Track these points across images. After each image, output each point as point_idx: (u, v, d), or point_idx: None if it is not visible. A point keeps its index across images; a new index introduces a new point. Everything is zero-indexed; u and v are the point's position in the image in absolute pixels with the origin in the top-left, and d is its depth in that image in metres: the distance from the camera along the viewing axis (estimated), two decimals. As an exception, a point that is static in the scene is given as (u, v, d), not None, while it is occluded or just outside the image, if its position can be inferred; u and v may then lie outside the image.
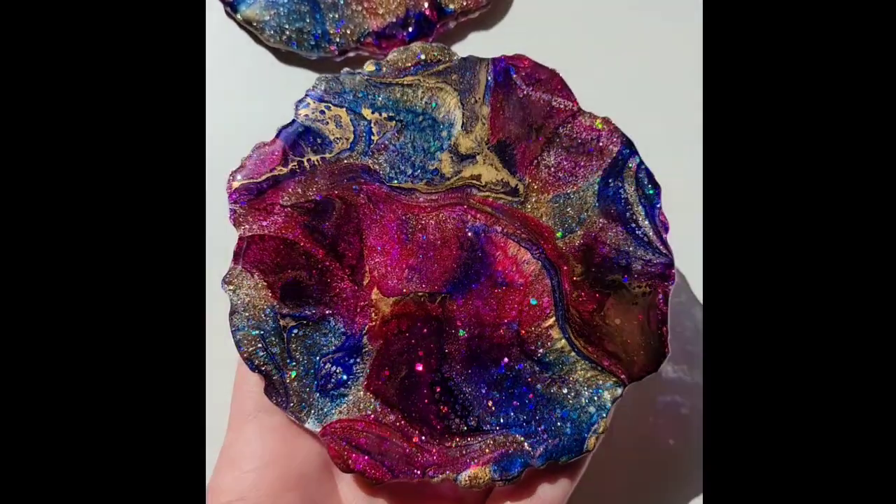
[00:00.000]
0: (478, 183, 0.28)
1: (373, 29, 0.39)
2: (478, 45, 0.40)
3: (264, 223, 0.27)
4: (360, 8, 0.39)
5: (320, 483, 0.28)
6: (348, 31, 0.39)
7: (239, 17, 0.39)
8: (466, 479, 0.26)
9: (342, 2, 0.39)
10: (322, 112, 0.28)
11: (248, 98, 0.40)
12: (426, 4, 0.39)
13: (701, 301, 0.38)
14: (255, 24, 0.39)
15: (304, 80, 0.40)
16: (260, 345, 0.27)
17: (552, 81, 0.29)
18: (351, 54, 0.40)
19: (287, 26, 0.39)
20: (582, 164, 0.28)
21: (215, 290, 0.31)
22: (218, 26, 0.40)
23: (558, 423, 0.27)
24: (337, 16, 0.39)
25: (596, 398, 0.27)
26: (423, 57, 0.29)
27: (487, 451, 0.26)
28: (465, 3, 0.39)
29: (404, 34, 0.39)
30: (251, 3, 0.39)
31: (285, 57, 0.40)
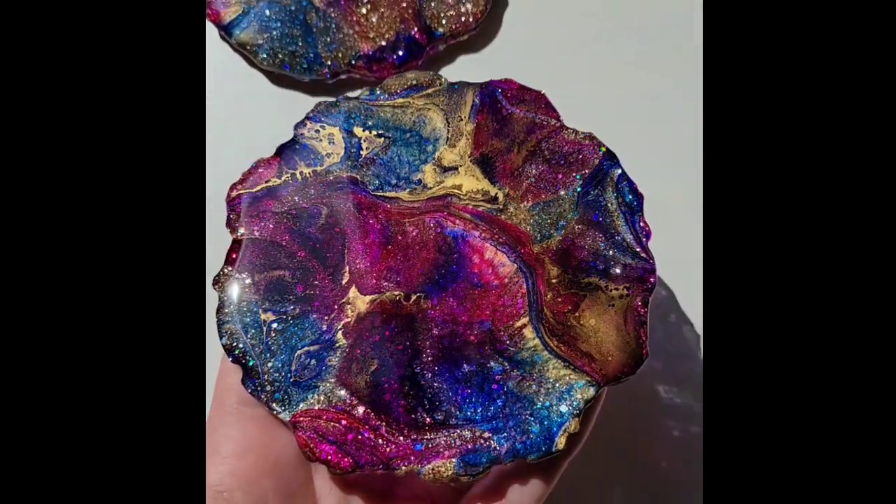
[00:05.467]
0: (459, 192, 0.29)
1: (364, 52, 0.40)
2: (467, 67, 0.41)
3: (256, 228, 0.29)
4: (351, 32, 0.40)
5: (296, 472, 0.29)
6: (340, 55, 0.40)
7: (233, 40, 0.40)
8: (429, 471, 0.26)
9: (334, 26, 0.40)
10: (317, 131, 0.30)
11: (243, 118, 0.41)
12: (416, 28, 0.40)
13: (699, 319, 0.38)
14: (249, 47, 0.40)
15: (296, 101, 0.41)
16: (240, 337, 0.28)
17: (537, 101, 0.30)
18: (343, 77, 0.41)
19: (280, 50, 0.40)
20: (562, 174, 0.29)
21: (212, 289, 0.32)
22: (213, 49, 0.41)
23: (527, 421, 0.27)
24: (329, 39, 0.40)
25: (567, 397, 0.27)
26: (415, 82, 0.31)
27: (453, 445, 0.27)
28: (454, 27, 0.40)
29: (394, 57, 0.40)
30: (245, 27, 0.40)
31: (278, 79, 0.41)
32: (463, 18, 0.40)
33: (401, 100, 0.31)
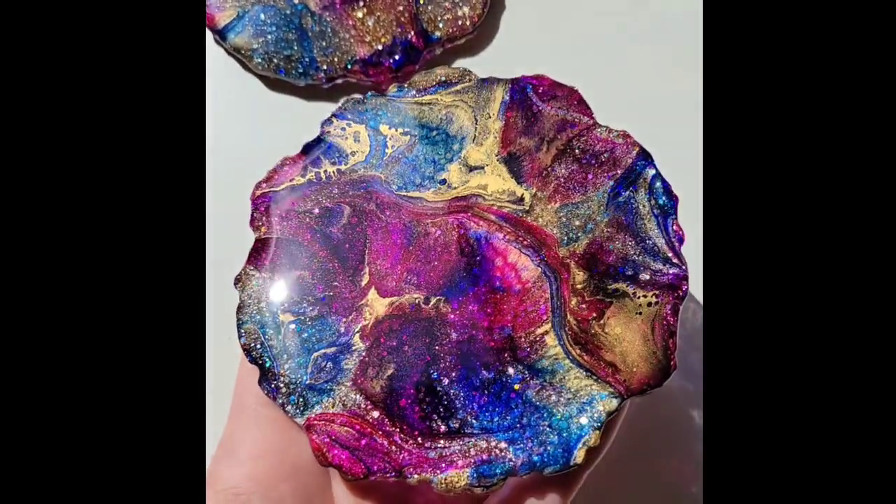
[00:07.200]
0: (484, 192, 0.29)
1: (360, 56, 0.40)
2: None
3: (278, 227, 0.29)
4: (347, 36, 0.40)
5: (314, 476, 0.29)
6: (336, 59, 0.40)
7: (228, 44, 0.40)
8: (442, 481, 0.26)
9: (329, 30, 0.40)
10: (343, 129, 0.30)
11: (237, 124, 0.41)
12: (412, 32, 0.40)
13: (698, 310, 0.38)
14: (243, 51, 0.39)
15: (292, 106, 0.41)
16: (257, 337, 0.28)
17: (570, 98, 0.30)
18: (339, 81, 0.40)
19: (275, 54, 0.39)
20: (593, 174, 0.28)
21: (214, 291, 0.33)
22: (207, 54, 0.41)
23: (545, 432, 0.26)
24: (324, 44, 0.39)
25: (589, 409, 0.26)
26: (444, 78, 0.30)
27: (467, 455, 0.26)
28: (451, 31, 0.40)
29: (391, 61, 0.40)
30: (240, 31, 0.39)
31: (273, 84, 0.41)
32: (460, 22, 0.40)
33: (428, 97, 0.30)
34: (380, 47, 0.40)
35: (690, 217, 0.37)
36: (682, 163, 0.39)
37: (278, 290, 0.28)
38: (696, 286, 0.37)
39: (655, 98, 0.40)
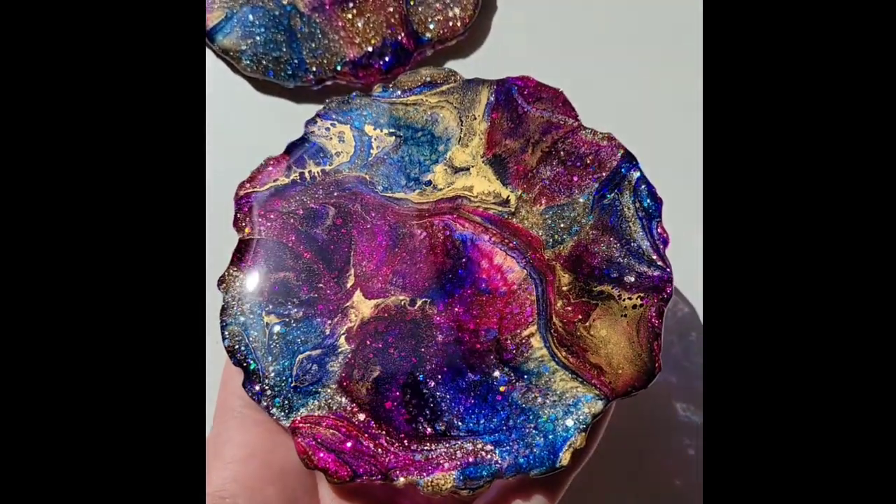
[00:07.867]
0: (470, 194, 0.29)
1: (349, 58, 0.39)
2: (455, 73, 0.41)
3: (262, 228, 0.29)
4: (336, 37, 0.39)
5: (300, 480, 0.28)
6: (325, 61, 0.39)
7: (216, 46, 0.39)
8: (428, 483, 0.26)
9: (319, 31, 0.39)
10: (328, 129, 0.30)
11: (226, 126, 0.40)
12: (402, 34, 0.39)
13: (699, 319, 0.37)
14: (231, 53, 0.39)
15: (280, 108, 0.40)
16: (242, 339, 0.27)
17: (555, 100, 0.30)
18: (328, 83, 0.40)
19: (264, 56, 0.39)
20: (578, 176, 0.28)
21: (214, 292, 0.32)
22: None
23: (531, 434, 0.26)
24: (314, 45, 0.39)
25: (574, 411, 0.26)
26: (429, 79, 0.30)
27: (453, 457, 0.26)
28: (441, 32, 0.40)
29: (381, 63, 0.39)
30: (228, 32, 0.39)
31: (262, 86, 0.41)
32: (451, 23, 0.40)
33: (413, 97, 0.30)
34: (370, 49, 0.39)
35: (691, 217, 0.37)
36: (678, 164, 0.39)
37: (262, 291, 0.28)
38: (696, 285, 0.37)
39: (649, 99, 0.40)
